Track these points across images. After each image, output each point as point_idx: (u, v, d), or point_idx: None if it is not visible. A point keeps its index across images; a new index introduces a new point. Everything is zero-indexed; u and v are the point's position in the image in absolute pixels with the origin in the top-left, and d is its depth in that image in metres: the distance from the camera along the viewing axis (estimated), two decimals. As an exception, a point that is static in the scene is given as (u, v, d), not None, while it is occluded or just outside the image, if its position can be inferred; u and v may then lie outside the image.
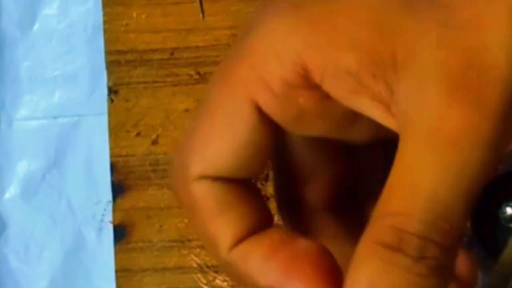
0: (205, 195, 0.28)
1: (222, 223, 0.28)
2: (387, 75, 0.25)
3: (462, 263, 0.28)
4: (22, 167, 0.54)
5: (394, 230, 0.24)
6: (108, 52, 0.52)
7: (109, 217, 0.52)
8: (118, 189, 0.51)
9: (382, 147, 0.30)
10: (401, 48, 0.25)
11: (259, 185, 0.50)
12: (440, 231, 0.24)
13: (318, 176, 0.30)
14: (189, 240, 0.51)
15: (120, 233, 0.51)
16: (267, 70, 0.26)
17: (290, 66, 0.26)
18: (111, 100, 0.52)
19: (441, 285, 0.24)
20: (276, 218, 0.30)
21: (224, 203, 0.28)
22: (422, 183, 0.24)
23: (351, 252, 0.27)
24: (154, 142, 0.51)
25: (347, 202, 0.30)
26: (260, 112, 0.27)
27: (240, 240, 0.28)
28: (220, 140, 0.27)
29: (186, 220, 0.51)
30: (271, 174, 0.50)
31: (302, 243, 0.27)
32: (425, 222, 0.24)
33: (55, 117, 0.54)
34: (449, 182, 0.24)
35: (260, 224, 0.28)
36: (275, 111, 0.27)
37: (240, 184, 0.28)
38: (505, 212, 0.39)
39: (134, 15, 0.52)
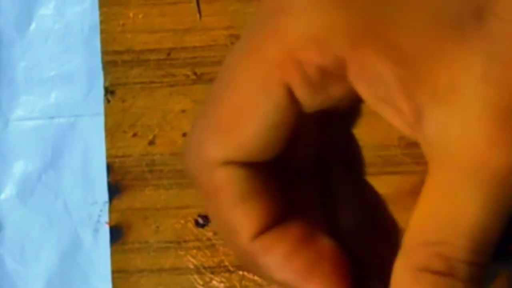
0: (230, 182, 0.28)
1: (246, 212, 0.28)
2: (421, 99, 0.25)
3: None
4: (18, 168, 0.54)
5: (442, 258, 0.25)
6: (104, 53, 0.52)
7: (105, 218, 0.52)
8: (114, 190, 0.51)
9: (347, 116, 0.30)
10: (445, 77, 0.25)
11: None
12: (484, 254, 0.26)
13: (301, 140, 0.30)
14: (185, 241, 0.51)
15: (117, 234, 0.51)
16: (306, 58, 0.26)
17: (331, 58, 0.26)
18: (107, 101, 0.52)
19: None
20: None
21: (248, 190, 0.28)
22: (466, 214, 0.25)
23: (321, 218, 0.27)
24: (151, 143, 0.51)
25: (319, 166, 0.30)
26: (291, 95, 0.27)
27: (262, 231, 0.27)
28: (248, 122, 0.27)
29: (182, 221, 0.51)
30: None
31: (324, 244, 0.28)
32: (471, 249, 0.26)
33: (51, 118, 0.54)
34: (492, 213, 0.26)
35: (281, 212, 0.28)
36: (305, 97, 0.27)
37: (263, 169, 0.28)
38: None
39: (131, 15, 0.52)
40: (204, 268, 0.50)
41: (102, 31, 0.52)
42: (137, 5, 0.52)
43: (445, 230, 0.26)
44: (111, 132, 0.52)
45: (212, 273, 0.50)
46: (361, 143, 0.41)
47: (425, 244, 0.26)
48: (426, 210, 0.26)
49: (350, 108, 0.29)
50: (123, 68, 0.52)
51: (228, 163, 0.27)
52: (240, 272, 0.50)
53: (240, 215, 0.28)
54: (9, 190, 0.54)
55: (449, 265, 0.25)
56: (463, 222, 0.25)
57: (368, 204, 0.27)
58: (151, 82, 0.52)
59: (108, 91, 0.52)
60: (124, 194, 0.51)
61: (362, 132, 0.42)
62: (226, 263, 0.50)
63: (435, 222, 0.26)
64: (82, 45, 0.54)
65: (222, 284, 0.50)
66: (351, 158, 0.30)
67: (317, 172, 0.30)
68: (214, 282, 0.50)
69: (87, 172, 0.53)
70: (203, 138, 0.28)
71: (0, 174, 0.54)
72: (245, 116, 0.27)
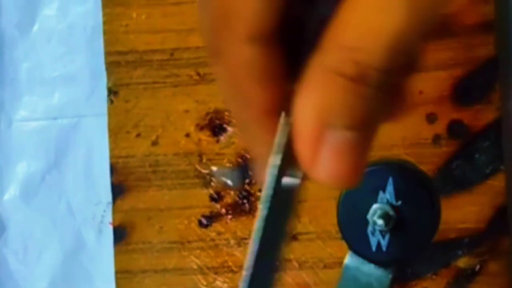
0: (255, 58, 0.29)
1: (263, 88, 0.29)
2: None
3: None
4: (21, 168, 0.54)
5: (355, 64, 0.26)
6: (107, 53, 0.52)
7: (109, 218, 0.52)
8: (118, 190, 0.51)
9: None
10: None
11: (254, 187, 0.50)
12: (400, 64, 0.26)
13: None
14: (189, 242, 0.51)
15: (120, 234, 0.51)
16: None
17: None
18: (110, 101, 0.52)
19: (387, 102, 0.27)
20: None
21: (268, 70, 0.29)
22: (388, 21, 0.26)
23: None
24: (154, 143, 0.51)
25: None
26: None
27: (270, 110, 0.29)
28: None
29: (186, 222, 0.51)
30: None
31: None
32: (388, 58, 0.26)
33: (54, 118, 0.54)
34: (414, 22, 0.26)
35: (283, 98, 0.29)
36: None
37: (277, 52, 0.29)
38: (375, 220, 0.39)
39: (134, 15, 0.52)
40: (208, 268, 0.51)
41: (105, 32, 0.52)
42: (140, 5, 0.52)
43: (364, 37, 0.26)
44: (115, 132, 0.52)
45: (216, 273, 0.50)
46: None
47: (341, 48, 0.26)
48: (347, 17, 0.27)
49: None
50: (126, 69, 0.52)
51: (254, 39, 0.29)
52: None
53: (258, 91, 0.29)
54: (13, 191, 0.54)
55: (361, 72, 0.26)
56: (384, 29, 0.26)
57: None
58: (154, 83, 0.52)
59: (111, 92, 0.52)
60: (128, 194, 0.51)
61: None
62: (230, 264, 0.50)
63: (355, 28, 0.26)
64: (85, 45, 0.54)
65: (225, 284, 0.50)
66: None
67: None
68: (217, 283, 0.50)
69: (91, 173, 0.53)
70: (222, 10, 0.29)
71: (3, 174, 0.54)
72: None
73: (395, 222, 0.38)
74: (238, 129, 0.31)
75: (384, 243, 0.39)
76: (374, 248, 0.39)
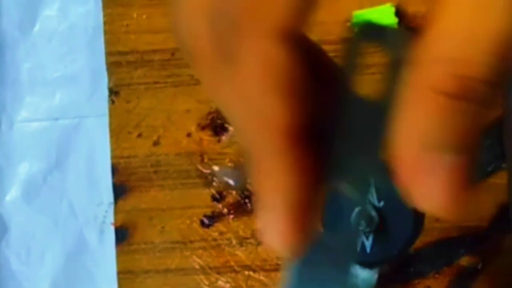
0: (283, 60, 0.24)
1: (289, 102, 0.24)
2: None
3: None
4: (23, 169, 0.54)
5: (456, 79, 0.22)
6: (108, 53, 0.52)
7: (110, 218, 0.52)
8: (119, 191, 0.51)
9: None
10: None
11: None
12: (502, 71, 0.23)
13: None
14: (191, 242, 0.51)
15: (122, 234, 0.51)
16: None
17: None
18: (112, 101, 0.52)
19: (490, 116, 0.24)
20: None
21: (296, 79, 0.24)
22: (488, 22, 0.22)
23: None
24: (156, 143, 0.51)
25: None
26: None
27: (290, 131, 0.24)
28: None
29: (188, 221, 0.51)
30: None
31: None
32: (490, 65, 0.23)
33: (56, 119, 0.54)
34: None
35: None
36: None
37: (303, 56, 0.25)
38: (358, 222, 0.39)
39: (135, 15, 0.52)
40: (210, 268, 0.50)
41: (106, 32, 0.52)
42: (141, 5, 0.52)
43: (462, 44, 0.22)
44: (116, 133, 0.52)
45: (218, 273, 0.50)
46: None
47: (438, 61, 0.23)
48: (439, 23, 0.23)
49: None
50: (127, 69, 0.52)
51: (286, 36, 0.23)
52: (246, 272, 0.50)
53: (281, 105, 0.24)
54: (15, 192, 0.54)
55: (464, 86, 0.22)
56: (483, 32, 0.22)
57: None
58: (155, 83, 0.52)
59: (113, 92, 0.52)
60: (129, 194, 0.51)
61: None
62: (232, 263, 0.50)
63: (450, 34, 0.22)
64: (86, 46, 0.54)
65: (228, 284, 0.50)
66: None
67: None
68: (220, 282, 0.50)
69: (92, 173, 0.53)
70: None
71: (5, 175, 0.54)
72: None
73: (378, 223, 0.38)
74: (248, 163, 0.25)
75: (368, 244, 0.39)
76: (358, 250, 0.39)
